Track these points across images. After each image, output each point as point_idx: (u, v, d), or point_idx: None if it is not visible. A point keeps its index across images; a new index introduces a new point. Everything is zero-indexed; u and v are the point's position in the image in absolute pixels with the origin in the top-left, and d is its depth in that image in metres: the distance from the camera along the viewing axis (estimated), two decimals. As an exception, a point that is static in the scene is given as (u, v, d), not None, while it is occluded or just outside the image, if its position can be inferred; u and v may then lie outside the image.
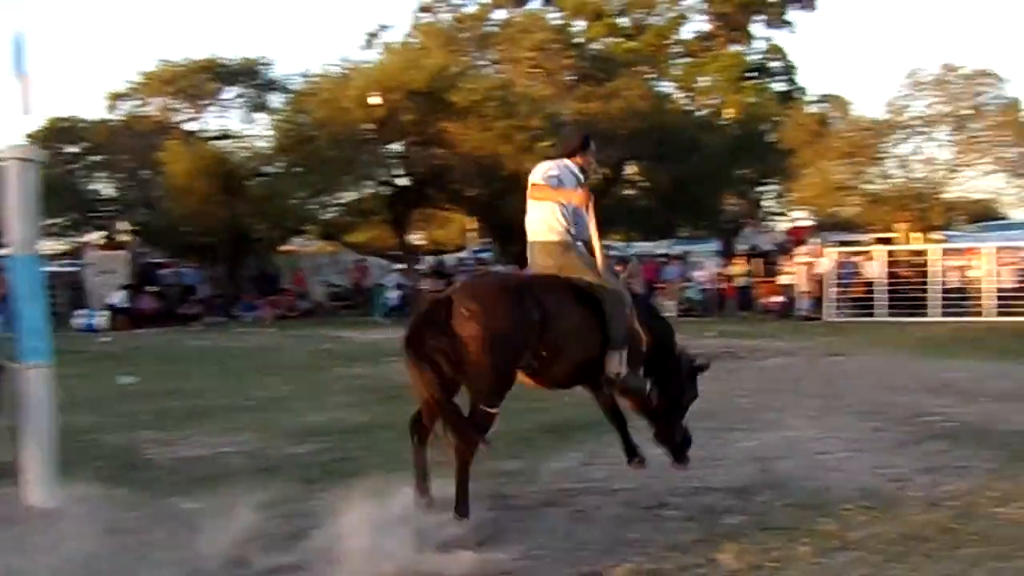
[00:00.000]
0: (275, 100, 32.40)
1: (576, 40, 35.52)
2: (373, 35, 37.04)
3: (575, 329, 5.40)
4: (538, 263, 5.68)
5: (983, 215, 35.13)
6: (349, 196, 29.49)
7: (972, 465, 6.44)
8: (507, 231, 27.61)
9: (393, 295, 26.82)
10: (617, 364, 5.53)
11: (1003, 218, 35.06)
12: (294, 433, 8.18)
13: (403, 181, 29.38)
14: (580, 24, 42.98)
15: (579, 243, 5.65)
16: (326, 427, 8.45)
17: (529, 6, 43.85)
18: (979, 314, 20.20)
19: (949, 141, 29.12)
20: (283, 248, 32.12)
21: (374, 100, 25.35)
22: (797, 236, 27.27)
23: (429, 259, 32.52)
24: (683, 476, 6.18)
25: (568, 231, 5.60)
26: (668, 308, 23.49)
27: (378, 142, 27.64)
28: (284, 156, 27.48)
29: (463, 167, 26.34)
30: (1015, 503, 5.55)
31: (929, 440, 7.27)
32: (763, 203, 34.91)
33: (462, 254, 34.95)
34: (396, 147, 28.59)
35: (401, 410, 5.87)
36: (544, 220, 5.65)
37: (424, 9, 38.63)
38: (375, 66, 27.95)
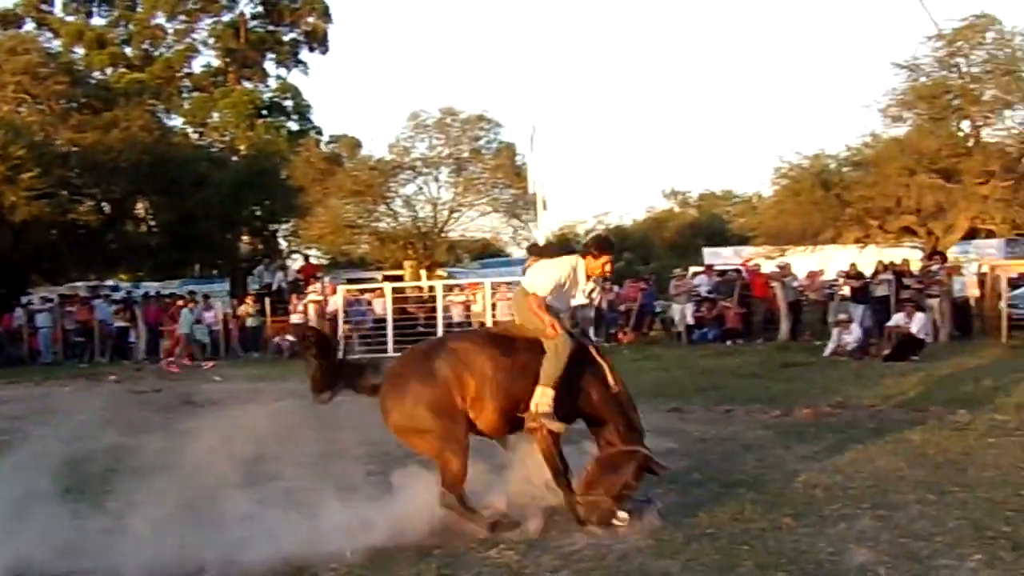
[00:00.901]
0: None
1: (76, 67, 32.95)
2: None
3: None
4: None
5: (485, 252, 37.85)
6: None
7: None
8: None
9: None
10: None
11: (504, 255, 38.14)
12: None
13: None
14: (79, 51, 40.13)
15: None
16: None
17: (23, 28, 40.19)
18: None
19: (450, 182, 31.13)
20: None
21: None
22: (308, 274, 27.30)
23: None
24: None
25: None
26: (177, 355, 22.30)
27: None
28: None
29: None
30: (502, 546, 5.67)
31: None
32: (278, 240, 34.78)
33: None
34: None
35: None
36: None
37: None
38: None
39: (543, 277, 6.31)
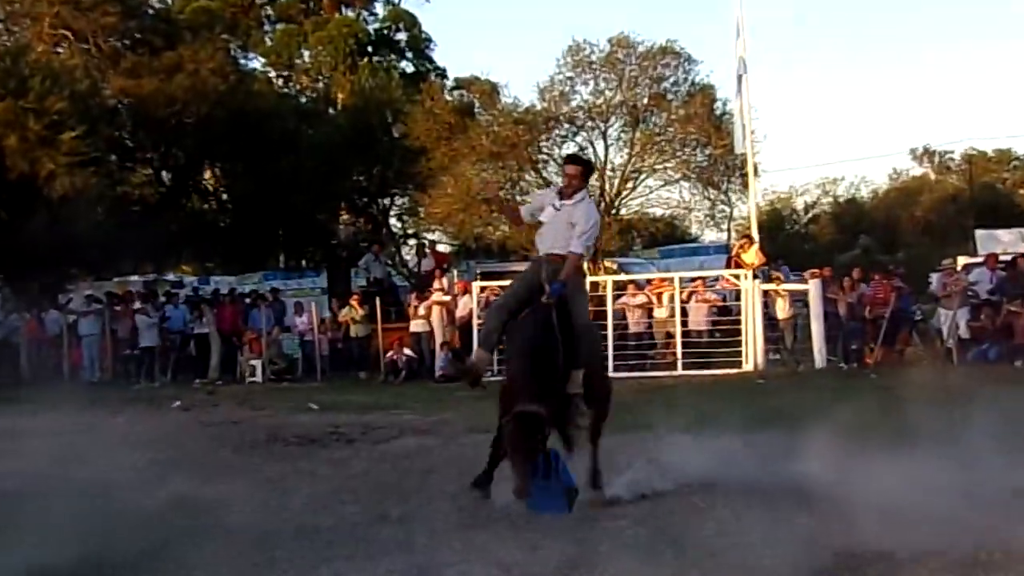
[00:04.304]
0: None
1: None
2: None
3: None
4: None
5: (666, 237, 37.35)
6: None
7: None
8: (20, 262, 25.65)
9: None
10: None
11: (690, 240, 37.52)
12: None
13: None
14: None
15: None
16: None
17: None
18: (672, 367, 21.10)
19: (624, 139, 30.71)
20: None
21: None
22: (437, 264, 27.42)
23: None
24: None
25: None
26: (255, 368, 22.73)
27: None
28: None
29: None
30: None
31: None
32: (389, 221, 35.14)
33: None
34: None
35: None
36: None
37: None
38: None
39: None
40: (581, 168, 8.88)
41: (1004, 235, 28.87)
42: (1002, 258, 23.34)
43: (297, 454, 12.57)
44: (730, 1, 23.58)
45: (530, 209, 9.16)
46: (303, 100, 36.65)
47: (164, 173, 29.64)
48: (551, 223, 8.59)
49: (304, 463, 11.54)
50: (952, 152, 53.32)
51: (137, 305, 24.98)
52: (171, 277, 31.89)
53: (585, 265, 9.32)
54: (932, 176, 53.17)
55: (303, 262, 33.85)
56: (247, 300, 25.46)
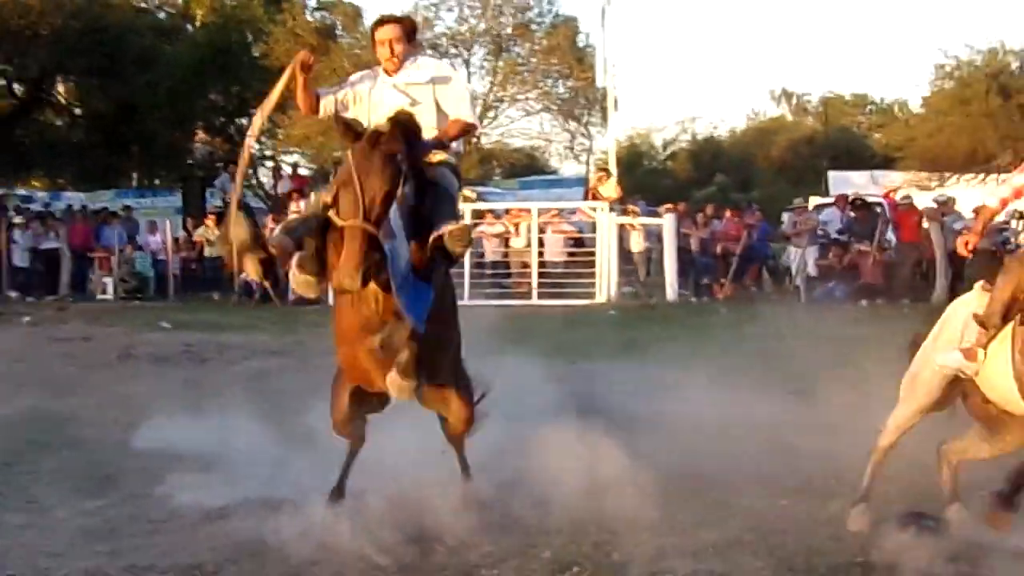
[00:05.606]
0: None
1: None
2: None
3: None
4: None
5: (526, 168, 37.60)
6: None
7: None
8: None
9: None
10: None
11: (550, 172, 37.74)
12: None
13: None
14: None
15: None
16: None
17: None
18: (527, 296, 21.29)
19: (487, 68, 30.80)
20: None
21: None
22: (296, 188, 27.18)
23: None
24: (106, 551, 5.94)
25: None
26: (106, 286, 22.46)
27: None
28: None
29: None
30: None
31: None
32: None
33: None
34: None
35: None
36: None
37: None
38: None
39: None
40: (400, 27, 6.28)
41: (856, 177, 29.31)
42: (853, 199, 23.96)
43: (148, 371, 12.60)
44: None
45: (334, 96, 6.34)
46: (161, 16, 35.75)
47: (16, 85, 28.85)
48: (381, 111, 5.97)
49: (155, 381, 11.55)
50: (810, 94, 54.35)
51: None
52: (21, 192, 31.13)
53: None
54: (789, 118, 54.06)
55: (157, 181, 33.36)
56: (99, 217, 25.03)
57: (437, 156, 6.08)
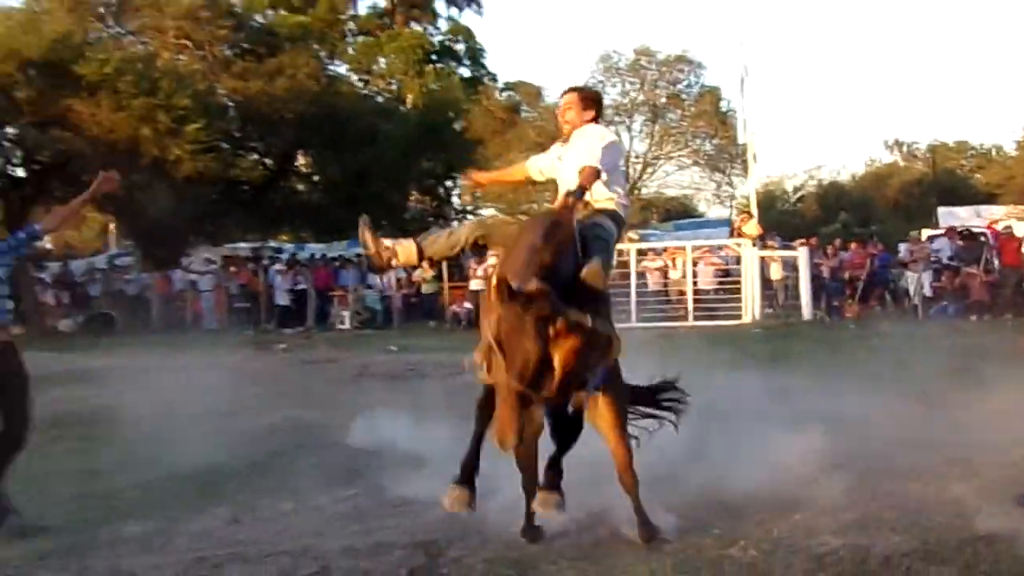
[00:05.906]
0: None
1: (235, 9, 34.25)
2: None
3: None
4: None
5: (680, 213, 37.37)
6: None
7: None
8: (151, 231, 26.05)
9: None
10: None
11: (697, 215, 37.48)
12: None
13: (19, 171, 26.86)
14: (239, -8, 41.63)
15: None
16: None
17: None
18: (683, 319, 21.23)
19: (646, 131, 30.78)
20: None
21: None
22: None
23: (54, 266, 29.78)
24: (358, 531, 6.02)
25: None
26: (343, 318, 23.05)
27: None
28: None
29: (94, 154, 24.38)
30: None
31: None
32: (452, 199, 35.31)
33: (97, 259, 32.41)
34: (9, 130, 26.04)
35: None
36: None
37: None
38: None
39: None
40: (577, 95, 5.89)
41: (962, 211, 28.73)
42: (961, 229, 23.49)
43: (380, 386, 12.80)
44: (734, 16, 23.57)
45: (536, 165, 6.30)
46: (380, 100, 36.69)
47: (267, 159, 29.82)
48: (560, 176, 5.87)
49: (386, 394, 11.74)
50: (918, 143, 52.90)
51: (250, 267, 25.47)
52: (273, 244, 32.17)
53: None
54: (901, 163, 52.69)
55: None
56: (336, 263, 25.75)
57: (600, 203, 5.71)
